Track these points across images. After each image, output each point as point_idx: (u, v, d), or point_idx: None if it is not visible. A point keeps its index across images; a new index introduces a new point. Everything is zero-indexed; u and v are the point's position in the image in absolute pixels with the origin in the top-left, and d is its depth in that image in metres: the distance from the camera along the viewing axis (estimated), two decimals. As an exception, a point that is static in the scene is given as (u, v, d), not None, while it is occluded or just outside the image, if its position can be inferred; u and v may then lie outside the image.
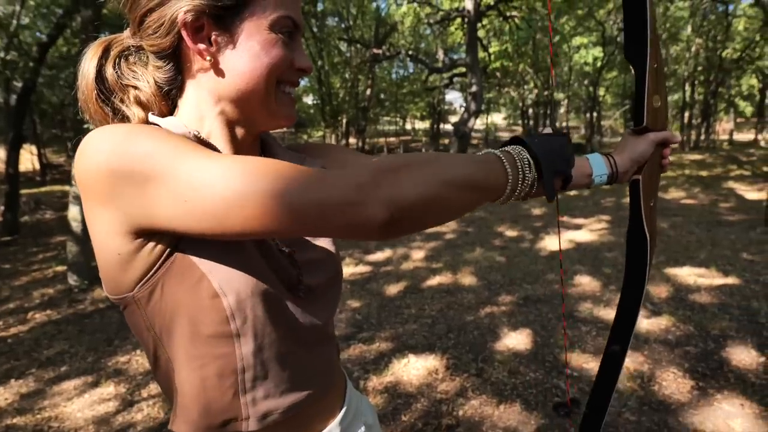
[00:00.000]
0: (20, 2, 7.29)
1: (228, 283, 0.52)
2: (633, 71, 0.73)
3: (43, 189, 12.90)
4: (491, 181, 0.54)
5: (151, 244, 0.50)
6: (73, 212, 4.79)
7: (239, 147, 0.61)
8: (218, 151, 0.56)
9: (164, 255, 0.51)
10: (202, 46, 0.54)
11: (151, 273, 0.51)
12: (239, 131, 0.60)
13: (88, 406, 2.57)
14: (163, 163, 0.45)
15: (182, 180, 0.45)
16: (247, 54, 0.54)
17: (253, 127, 0.61)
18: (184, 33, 0.53)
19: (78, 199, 4.78)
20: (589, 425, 0.86)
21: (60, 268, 5.39)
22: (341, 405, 0.70)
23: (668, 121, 0.78)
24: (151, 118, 0.57)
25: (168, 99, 0.59)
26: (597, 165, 0.70)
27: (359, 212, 0.45)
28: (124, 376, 2.89)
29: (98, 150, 0.46)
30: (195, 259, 0.51)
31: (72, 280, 4.78)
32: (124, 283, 0.52)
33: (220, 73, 0.56)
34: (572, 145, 0.64)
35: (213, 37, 0.54)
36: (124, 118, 0.58)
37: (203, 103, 0.58)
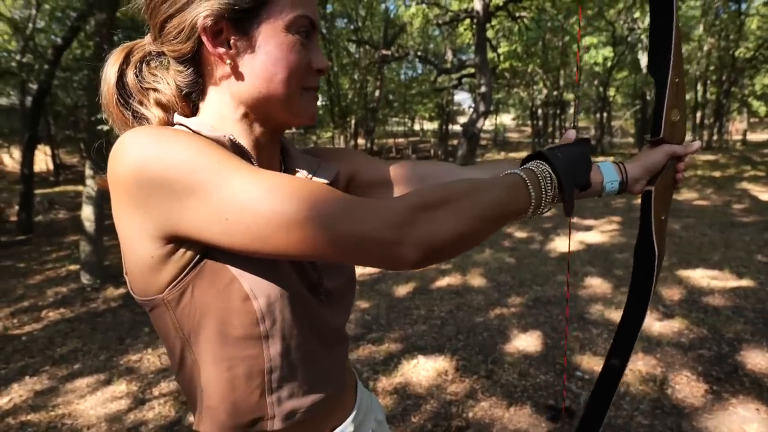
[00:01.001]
0: (36, 6, 7.42)
1: (258, 286, 0.53)
2: (655, 84, 0.73)
3: (56, 189, 13.08)
4: (516, 206, 0.56)
5: (182, 249, 0.51)
6: (86, 212, 4.86)
7: (261, 150, 0.62)
8: (249, 154, 0.57)
9: (195, 259, 0.52)
10: (221, 50, 0.55)
11: (181, 276, 0.52)
12: (260, 133, 0.61)
13: (100, 403, 2.60)
14: (205, 177, 0.46)
15: (225, 198, 0.45)
16: (266, 57, 0.55)
17: (275, 128, 0.62)
18: (204, 38, 0.54)
19: (91, 199, 4.84)
20: None
21: (73, 267, 5.47)
22: (354, 403, 0.72)
23: (685, 136, 0.78)
24: (177, 118, 0.58)
25: (189, 101, 0.60)
26: (608, 173, 0.69)
27: (395, 251, 0.47)
28: (136, 374, 2.92)
29: (134, 154, 0.47)
30: (226, 262, 0.52)
31: (85, 279, 4.84)
32: (154, 285, 0.53)
33: (240, 76, 0.56)
34: (591, 150, 0.64)
35: (232, 41, 0.55)
36: (144, 121, 0.59)
37: (225, 106, 0.58)
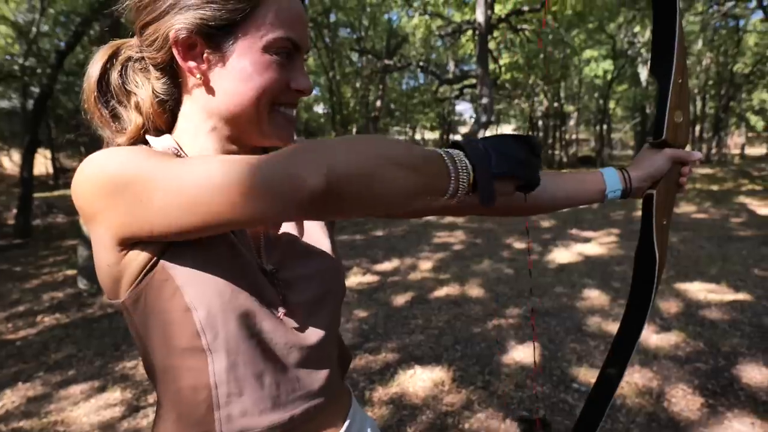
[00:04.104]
0: (41, 10, 7.48)
1: (199, 298, 0.53)
2: (657, 84, 0.72)
3: (55, 193, 13.09)
4: (432, 169, 0.50)
5: (134, 253, 0.52)
6: (84, 217, 4.86)
7: None
8: None
9: (147, 266, 0.53)
10: (192, 63, 0.55)
11: (135, 283, 0.53)
12: (232, 149, 0.60)
13: (94, 411, 2.59)
14: (141, 170, 0.48)
15: (161, 178, 0.47)
16: (238, 75, 0.54)
17: (246, 145, 0.61)
18: (175, 50, 0.54)
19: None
20: None
21: (70, 272, 5.45)
22: (341, 426, 0.68)
23: (689, 139, 0.76)
24: (148, 138, 0.59)
25: (166, 110, 0.60)
26: (611, 180, 0.67)
27: (296, 181, 0.43)
28: (131, 381, 2.90)
29: (89, 171, 0.50)
30: (173, 272, 0.53)
31: (82, 284, 4.83)
32: (116, 291, 0.55)
33: (211, 91, 0.56)
34: (537, 146, 0.57)
35: (205, 55, 0.55)
36: (121, 122, 0.60)
37: (197, 118, 0.59)
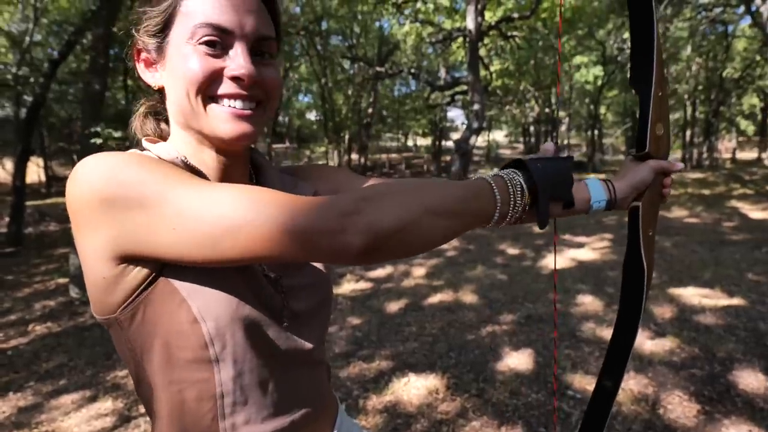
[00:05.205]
0: (34, 20, 7.46)
1: (207, 309, 0.52)
2: (638, 98, 0.73)
3: (48, 201, 12.97)
4: (477, 207, 0.53)
5: (135, 269, 0.51)
6: (76, 225, 4.82)
7: (220, 169, 0.60)
8: (205, 176, 0.57)
9: (148, 279, 0.51)
10: (147, 75, 0.58)
11: (134, 296, 0.52)
12: (208, 153, 0.59)
13: (85, 420, 2.55)
14: (152, 190, 0.46)
15: (172, 207, 0.46)
16: (172, 72, 0.55)
17: (213, 147, 0.59)
18: (137, 68, 0.58)
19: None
20: None
21: (62, 281, 5.39)
22: (330, 430, 0.69)
23: (670, 149, 0.78)
24: (144, 144, 0.59)
25: (156, 121, 0.64)
26: (595, 191, 0.69)
27: (339, 239, 0.45)
28: (122, 391, 2.87)
29: (88, 177, 0.47)
30: (177, 284, 0.52)
31: (74, 292, 4.78)
32: (109, 305, 0.53)
33: (167, 98, 0.58)
34: (574, 167, 0.62)
35: (158, 65, 0.57)
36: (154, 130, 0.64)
37: (174, 126, 0.60)
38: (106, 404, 2.71)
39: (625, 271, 0.78)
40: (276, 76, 0.58)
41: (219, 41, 0.53)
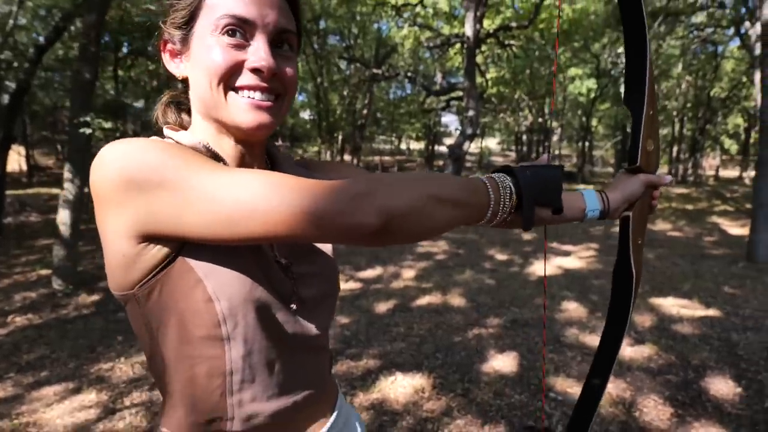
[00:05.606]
0: (18, 2, 7.30)
1: (222, 289, 0.55)
2: (631, 116, 0.79)
3: (29, 191, 12.74)
4: (476, 201, 0.56)
5: (155, 248, 0.53)
6: (62, 216, 4.76)
7: (237, 158, 0.63)
8: (225, 161, 0.60)
9: (167, 259, 0.54)
10: (172, 65, 0.61)
11: (152, 274, 0.54)
12: (228, 142, 0.61)
13: (68, 412, 2.53)
14: (174, 172, 0.49)
15: (193, 189, 0.49)
16: (196, 63, 0.58)
17: (232, 136, 0.61)
18: (162, 59, 0.61)
19: (68, 203, 4.74)
20: None
21: (44, 272, 5.32)
22: (329, 416, 0.71)
23: (659, 164, 0.84)
24: (166, 132, 0.61)
25: (177, 111, 0.67)
26: (590, 200, 0.73)
27: (355, 219, 0.47)
28: (107, 383, 2.85)
29: (113, 159, 0.50)
30: (194, 264, 0.54)
31: (57, 284, 4.72)
32: (127, 282, 0.56)
33: (191, 88, 0.61)
34: (564, 176, 0.65)
35: (182, 56, 0.60)
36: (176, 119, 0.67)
37: (195, 118, 0.63)
38: (90, 396, 2.70)
39: (614, 276, 0.83)
40: (294, 70, 0.60)
41: (240, 31, 0.56)
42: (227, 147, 0.62)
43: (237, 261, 0.56)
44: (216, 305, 0.55)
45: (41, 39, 8.10)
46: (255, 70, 0.56)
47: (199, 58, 0.57)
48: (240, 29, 0.55)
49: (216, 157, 0.59)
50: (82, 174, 4.86)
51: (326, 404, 0.72)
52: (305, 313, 0.65)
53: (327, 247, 0.72)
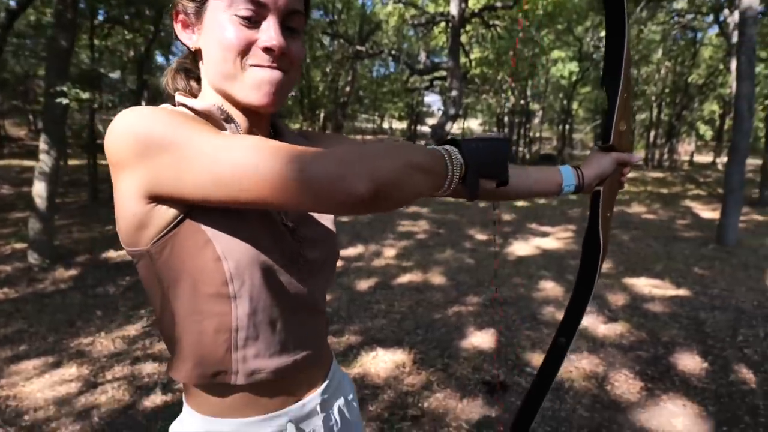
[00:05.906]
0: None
1: (230, 250, 0.58)
2: (607, 97, 0.83)
3: (1, 162, 12.28)
4: (439, 169, 0.59)
5: (164, 209, 0.56)
6: (38, 188, 4.62)
7: (246, 129, 0.66)
8: (235, 122, 0.63)
9: (176, 219, 0.57)
10: (184, 36, 0.63)
11: (164, 233, 0.57)
12: (236, 113, 0.64)
13: (48, 386, 2.52)
14: (179, 137, 0.51)
15: (194, 153, 0.51)
16: (210, 38, 0.60)
17: (240, 108, 0.64)
18: (174, 28, 0.63)
19: (44, 175, 4.61)
20: (522, 416, 0.93)
21: (19, 246, 5.19)
22: (325, 377, 0.75)
23: (632, 144, 0.89)
24: (178, 97, 0.64)
25: (187, 78, 0.69)
26: (567, 176, 0.77)
27: (345, 184, 0.49)
28: (88, 357, 2.84)
29: (124, 125, 0.53)
30: (203, 226, 0.57)
31: (33, 258, 4.62)
32: (140, 240, 0.58)
33: (203, 59, 0.63)
34: (510, 149, 0.66)
35: (195, 28, 0.62)
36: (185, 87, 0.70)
37: (205, 88, 0.65)
38: (70, 370, 2.69)
39: (584, 245, 0.89)
40: (301, 50, 0.64)
41: (257, 12, 0.58)
42: (236, 117, 0.65)
43: (245, 223, 0.59)
44: (224, 264, 0.58)
45: (12, 3, 7.69)
46: (266, 50, 0.59)
47: (212, 34, 0.59)
48: (254, 12, 0.58)
49: (229, 119, 0.62)
50: (59, 146, 4.70)
51: (322, 366, 0.76)
52: (308, 275, 0.68)
53: (328, 217, 0.75)
